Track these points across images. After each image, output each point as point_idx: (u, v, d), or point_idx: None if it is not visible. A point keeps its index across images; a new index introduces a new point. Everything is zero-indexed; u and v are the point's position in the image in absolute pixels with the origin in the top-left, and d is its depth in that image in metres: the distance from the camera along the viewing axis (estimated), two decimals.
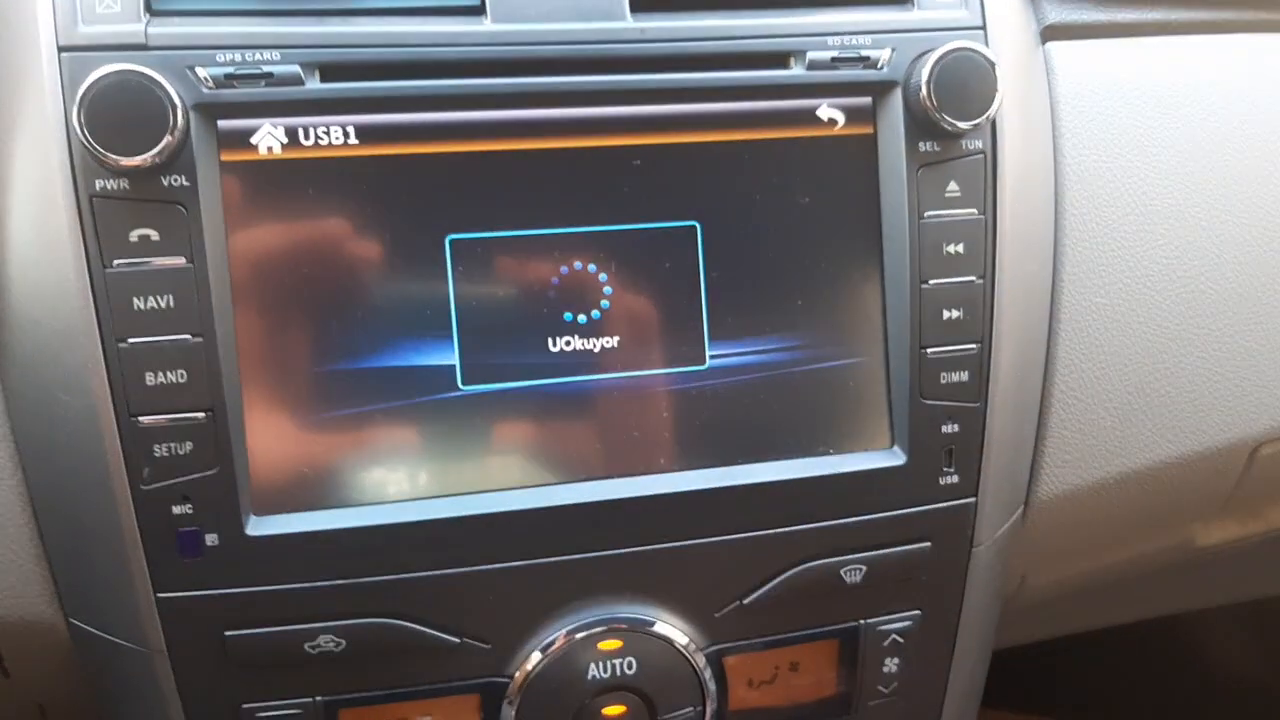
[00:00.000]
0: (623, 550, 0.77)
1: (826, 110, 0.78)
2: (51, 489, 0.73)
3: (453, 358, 0.74)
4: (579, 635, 0.77)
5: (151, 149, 0.66)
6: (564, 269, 0.75)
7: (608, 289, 0.76)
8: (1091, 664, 1.85)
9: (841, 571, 0.81)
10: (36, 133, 0.69)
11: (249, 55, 0.70)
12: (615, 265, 0.76)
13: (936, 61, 0.76)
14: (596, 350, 0.76)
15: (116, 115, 0.65)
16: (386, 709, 0.77)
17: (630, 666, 0.78)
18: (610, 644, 0.78)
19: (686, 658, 0.79)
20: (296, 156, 0.71)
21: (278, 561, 0.72)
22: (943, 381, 0.80)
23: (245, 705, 0.74)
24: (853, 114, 0.78)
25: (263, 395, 0.71)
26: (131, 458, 0.69)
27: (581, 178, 0.75)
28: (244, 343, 0.70)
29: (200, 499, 0.70)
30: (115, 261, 0.68)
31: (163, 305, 0.68)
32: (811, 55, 0.77)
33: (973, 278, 0.80)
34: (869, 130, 0.79)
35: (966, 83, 0.76)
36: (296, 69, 0.70)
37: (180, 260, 0.68)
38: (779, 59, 0.77)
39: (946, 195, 0.79)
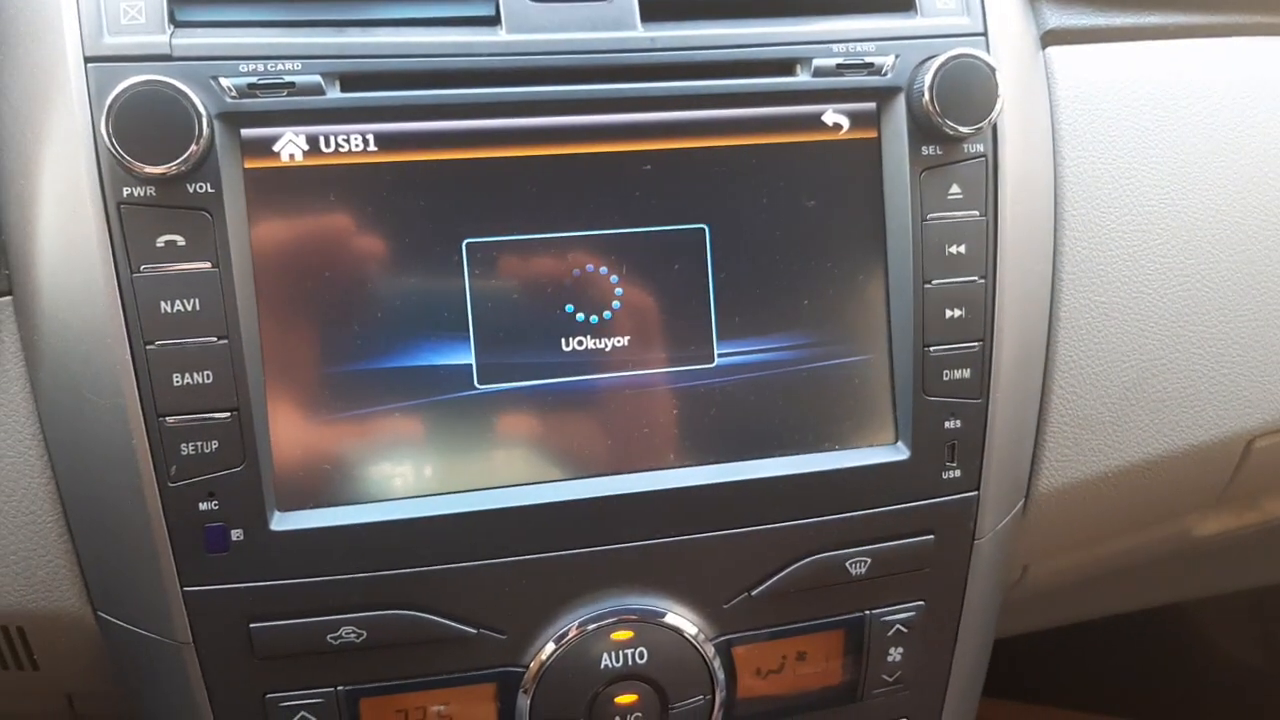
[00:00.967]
0: (634, 544, 0.79)
1: (832, 115, 0.80)
2: (80, 486, 0.75)
3: (469, 358, 0.76)
4: (592, 626, 0.79)
5: (178, 157, 0.68)
6: (576, 271, 0.77)
7: (619, 290, 0.78)
8: (1090, 653, 1.87)
9: (847, 564, 0.83)
10: (64, 141, 0.70)
11: (271, 65, 0.71)
12: (626, 267, 0.78)
13: (939, 68, 0.77)
14: (608, 350, 0.78)
15: (143, 124, 0.67)
16: (405, 698, 0.79)
17: (642, 656, 0.80)
18: (622, 634, 0.80)
19: (696, 648, 0.81)
20: (317, 164, 0.73)
21: (300, 556, 0.74)
22: (945, 378, 0.82)
23: (269, 695, 0.77)
24: (857, 119, 0.80)
25: (285, 395, 0.73)
26: (159, 456, 0.71)
27: (593, 182, 0.77)
28: (267, 344, 0.72)
29: (226, 496, 0.72)
30: (143, 266, 0.70)
31: (189, 309, 0.70)
32: (817, 62, 0.78)
33: (974, 277, 0.82)
34: (873, 135, 0.80)
35: (968, 88, 0.78)
36: (317, 79, 0.72)
37: (206, 265, 0.70)
38: (786, 66, 0.79)
39: (949, 197, 0.81)
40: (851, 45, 0.79)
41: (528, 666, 0.80)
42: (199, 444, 0.71)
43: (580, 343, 0.78)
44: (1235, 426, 0.97)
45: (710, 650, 0.82)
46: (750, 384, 0.80)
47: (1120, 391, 0.92)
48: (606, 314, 0.78)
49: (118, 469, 0.72)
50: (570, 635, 0.79)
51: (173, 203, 0.70)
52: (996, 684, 1.01)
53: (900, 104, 0.80)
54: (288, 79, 0.71)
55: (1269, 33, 0.98)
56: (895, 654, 0.87)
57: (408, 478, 0.76)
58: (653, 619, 0.80)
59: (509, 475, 0.77)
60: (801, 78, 0.79)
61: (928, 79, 0.77)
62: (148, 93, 0.67)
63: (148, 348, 0.70)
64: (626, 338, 0.78)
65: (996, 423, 0.84)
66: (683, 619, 0.81)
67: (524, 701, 0.80)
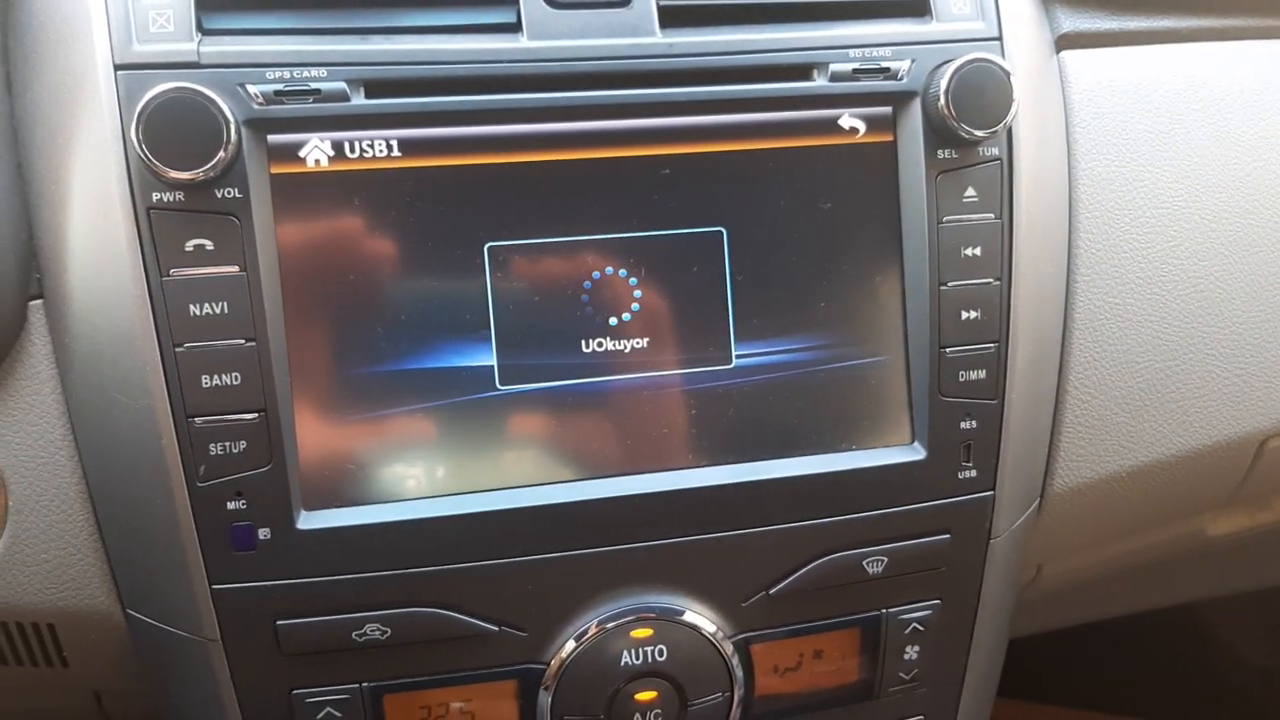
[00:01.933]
0: (653, 543, 0.80)
1: (848, 119, 0.81)
2: (110, 486, 0.76)
3: (490, 359, 0.77)
4: (611, 624, 0.80)
5: (206, 163, 0.69)
6: (596, 273, 0.78)
7: (638, 292, 0.79)
8: (1100, 653, 1.87)
9: (864, 563, 0.83)
10: (94, 147, 0.72)
11: (297, 72, 0.72)
12: (645, 270, 0.79)
13: (955, 72, 0.78)
14: (627, 351, 0.79)
15: (173, 131, 0.69)
16: (429, 694, 0.80)
17: (661, 654, 0.81)
18: (642, 632, 0.81)
19: (715, 645, 0.82)
20: (342, 169, 0.74)
21: (326, 554, 0.75)
22: (961, 379, 0.83)
23: (295, 691, 0.78)
24: (873, 123, 0.81)
25: (311, 396, 0.74)
26: (188, 456, 0.72)
27: (613, 186, 0.78)
28: (293, 346, 0.74)
29: (253, 495, 0.73)
30: (172, 270, 0.71)
31: (217, 311, 0.72)
32: (834, 67, 0.79)
33: (990, 279, 0.83)
34: (889, 138, 0.81)
35: (984, 92, 0.79)
36: (343, 85, 0.73)
37: (234, 269, 0.72)
38: (802, 71, 0.80)
39: (964, 200, 0.82)
40: (868, 50, 0.80)
41: (548, 664, 0.81)
42: (227, 444, 0.73)
43: (600, 344, 0.79)
44: (1248, 427, 0.98)
45: (729, 648, 0.83)
46: (768, 385, 0.81)
47: (1134, 392, 0.93)
48: (626, 316, 0.79)
49: (147, 469, 0.73)
50: (590, 633, 0.80)
51: (201, 207, 0.71)
52: (1006, 684, 1.02)
53: (916, 108, 0.80)
54: (313, 85, 0.72)
55: None
56: (911, 652, 0.88)
57: (430, 477, 0.77)
58: (672, 617, 0.81)
59: (530, 475, 0.79)
60: (818, 82, 0.80)
61: (943, 83, 0.78)
62: (177, 99, 0.69)
63: (177, 350, 0.72)
64: (645, 339, 0.79)
65: (1012, 423, 0.85)
66: (701, 617, 0.82)
67: (545, 698, 0.81)
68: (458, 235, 0.76)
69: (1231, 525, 1.14)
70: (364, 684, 0.78)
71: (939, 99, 0.79)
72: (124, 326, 0.72)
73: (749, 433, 0.81)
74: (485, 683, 0.81)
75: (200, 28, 0.73)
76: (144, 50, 0.72)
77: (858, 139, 0.81)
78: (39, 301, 0.76)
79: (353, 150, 0.74)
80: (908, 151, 0.81)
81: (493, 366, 0.77)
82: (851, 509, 0.83)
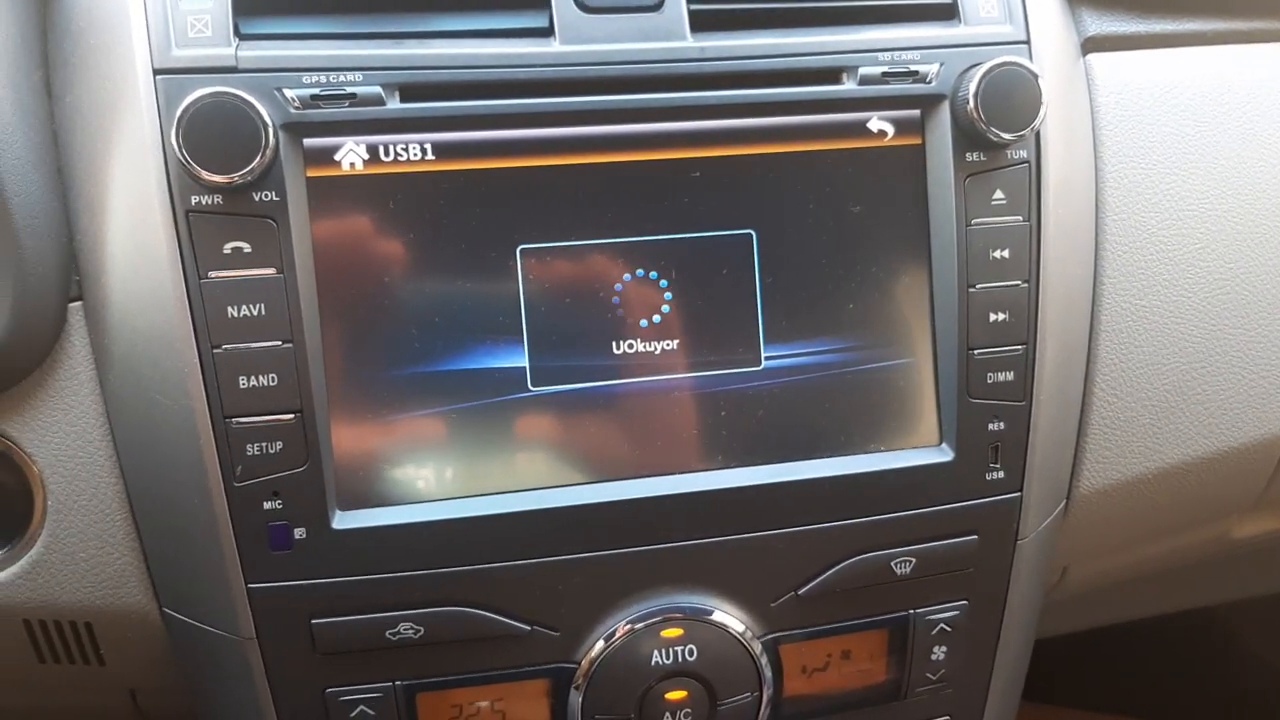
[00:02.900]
0: (683, 543, 0.81)
1: (877, 122, 0.81)
2: (148, 486, 0.77)
3: (523, 361, 0.78)
4: (641, 624, 0.81)
5: (245, 166, 0.70)
6: (627, 276, 0.79)
7: (668, 294, 0.80)
8: (1118, 657, 1.87)
9: (892, 564, 0.84)
10: (134, 151, 0.73)
11: (333, 77, 0.73)
12: (675, 272, 0.79)
13: (983, 75, 0.79)
14: (657, 353, 0.80)
15: (212, 134, 0.69)
16: (461, 693, 0.80)
17: (691, 653, 0.82)
18: (672, 632, 0.81)
19: (744, 645, 0.83)
20: (377, 172, 0.75)
21: (361, 553, 0.76)
22: (989, 381, 0.83)
23: (329, 689, 0.78)
24: (902, 126, 0.82)
25: (346, 397, 0.75)
26: (225, 457, 0.73)
27: (644, 189, 0.78)
28: (329, 348, 0.74)
29: (289, 495, 0.74)
30: (210, 273, 0.72)
31: (255, 313, 0.72)
32: (863, 71, 0.80)
33: (1018, 281, 0.83)
34: (918, 141, 0.82)
35: (1012, 95, 0.79)
36: (378, 89, 0.74)
37: (271, 271, 0.72)
38: (832, 75, 0.80)
39: (993, 203, 0.82)
40: (897, 54, 0.81)
41: (579, 663, 0.81)
42: (264, 445, 0.73)
43: (630, 346, 0.79)
44: (1274, 429, 0.98)
45: (758, 648, 0.83)
46: (797, 386, 0.82)
47: (1160, 394, 0.93)
48: (656, 318, 0.80)
49: (185, 469, 0.74)
50: (620, 633, 0.81)
51: (239, 210, 0.72)
52: (1030, 686, 1.02)
53: (945, 111, 0.81)
54: (349, 90, 0.73)
55: None
56: (939, 653, 0.88)
57: (463, 478, 0.78)
58: (701, 617, 0.82)
59: (561, 476, 0.79)
60: (847, 86, 0.80)
61: (972, 86, 0.79)
62: (216, 104, 0.70)
63: (215, 351, 0.72)
64: (675, 341, 0.80)
65: (1039, 425, 0.85)
66: (731, 617, 0.83)
67: (575, 698, 0.81)
68: (490, 238, 0.77)
69: (1257, 528, 1.14)
70: (397, 683, 0.79)
71: (968, 102, 0.79)
72: (163, 328, 0.73)
73: (778, 434, 0.82)
74: (516, 682, 0.81)
75: (238, 33, 0.73)
76: (183, 55, 0.72)
77: (886, 142, 0.82)
78: (78, 303, 0.77)
79: (387, 154, 0.75)
80: (936, 154, 0.81)
81: (525, 368, 0.78)
82: (880, 510, 0.83)
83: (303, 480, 0.74)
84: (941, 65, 0.81)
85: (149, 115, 0.72)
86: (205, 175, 0.70)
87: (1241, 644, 1.79)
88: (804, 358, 0.82)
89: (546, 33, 0.77)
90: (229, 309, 0.72)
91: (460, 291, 0.77)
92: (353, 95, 0.73)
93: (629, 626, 0.81)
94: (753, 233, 0.80)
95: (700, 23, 0.79)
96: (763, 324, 0.81)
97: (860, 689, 0.88)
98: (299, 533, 0.75)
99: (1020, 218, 0.83)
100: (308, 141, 0.74)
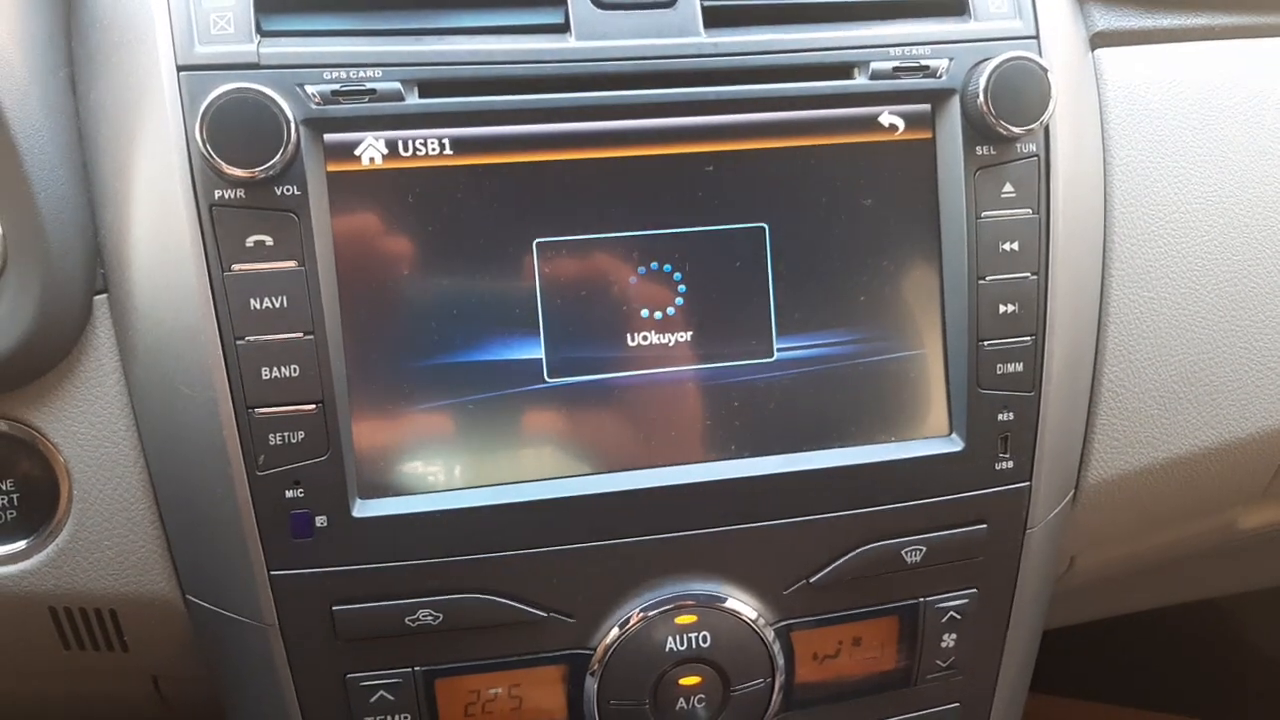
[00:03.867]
0: (697, 531, 0.82)
1: (887, 117, 0.82)
2: (172, 475, 0.78)
3: (539, 352, 0.79)
4: (657, 611, 0.82)
5: (267, 161, 0.71)
6: (641, 268, 0.80)
7: (682, 287, 0.81)
8: (1125, 648, 1.88)
9: (903, 552, 0.85)
10: (158, 146, 0.74)
11: (353, 73, 0.74)
12: (689, 264, 0.80)
13: (993, 70, 0.79)
14: (671, 344, 0.81)
15: (235, 130, 0.71)
16: (478, 679, 0.82)
17: (705, 640, 0.83)
18: (686, 619, 0.82)
19: (757, 632, 0.84)
20: (396, 167, 0.76)
21: (381, 541, 0.77)
22: (999, 372, 0.84)
23: (349, 675, 0.80)
24: (912, 120, 0.82)
25: (367, 387, 0.76)
26: (248, 446, 0.74)
27: (658, 183, 0.80)
28: (349, 339, 0.76)
29: (311, 484, 0.75)
30: (233, 266, 0.73)
31: (277, 305, 0.74)
32: (874, 66, 0.81)
33: (1027, 274, 0.84)
34: (928, 135, 0.83)
35: (1022, 90, 0.80)
36: (397, 85, 0.75)
37: (292, 264, 0.74)
38: (843, 70, 0.81)
39: (1002, 196, 0.83)
40: (907, 49, 0.82)
41: (595, 649, 0.82)
42: (286, 434, 0.75)
43: (645, 338, 0.81)
44: None
45: (770, 635, 0.84)
46: (809, 377, 0.83)
47: (1168, 385, 0.94)
48: (670, 310, 0.81)
49: (209, 458, 0.75)
50: (634, 620, 0.82)
51: (261, 204, 0.73)
52: (1034, 678, 1.03)
53: (955, 105, 0.82)
54: (369, 86, 0.74)
55: None
56: (949, 640, 0.89)
57: (481, 467, 0.79)
58: (715, 604, 0.83)
59: (577, 465, 0.80)
60: (859, 81, 0.81)
61: (982, 81, 0.80)
62: (239, 100, 0.71)
63: (238, 343, 0.74)
64: (689, 333, 0.81)
65: (1048, 415, 0.86)
66: (744, 604, 0.84)
67: (591, 684, 0.83)
68: (507, 231, 0.78)
69: (1264, 518, 1.14)
70: (416, 668, 0.80)
71: (978, 96, 0.80)
72: (187, 320, 0.74)
73: (790, 424, 0.83)
74: (533, 668, 0.82)
75: (259, 29, 0.75)
76: (206, 52, 0.74)
77: (897, 136, 0.83)
78: (103, 296, 0.78)
79: (406, 149, 0.76)
80: (946, 148, 0.82)
81: (541, 359, 0.79)
82: (891, 499, 0.84)
83: (324, 469, 0.75)
84: (952, 60, 0.82)
85: (173, 111, 0.73)
86: (228, 170, 0.71)
87: (1247, 636, 1.79)
88: (816, 349, 0.83)
89: (562, 29, 0.78)
90: (252, 301, 0.74)
91: (477, 284, 0.78)
92: (372, 91, 0.74)
93: (643, 613, 0.82)
94: (765, 226, 0.81)
95: (714, 19, 0.80)
96: (775, 316, 0.82)
97: (871, 675, 0.89)
98: (320, 521, 0.76)
99: (1030, 211, 0.84)
100: (328, 137, 0.75)
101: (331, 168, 0.75)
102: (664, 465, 0.81)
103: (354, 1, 0.77)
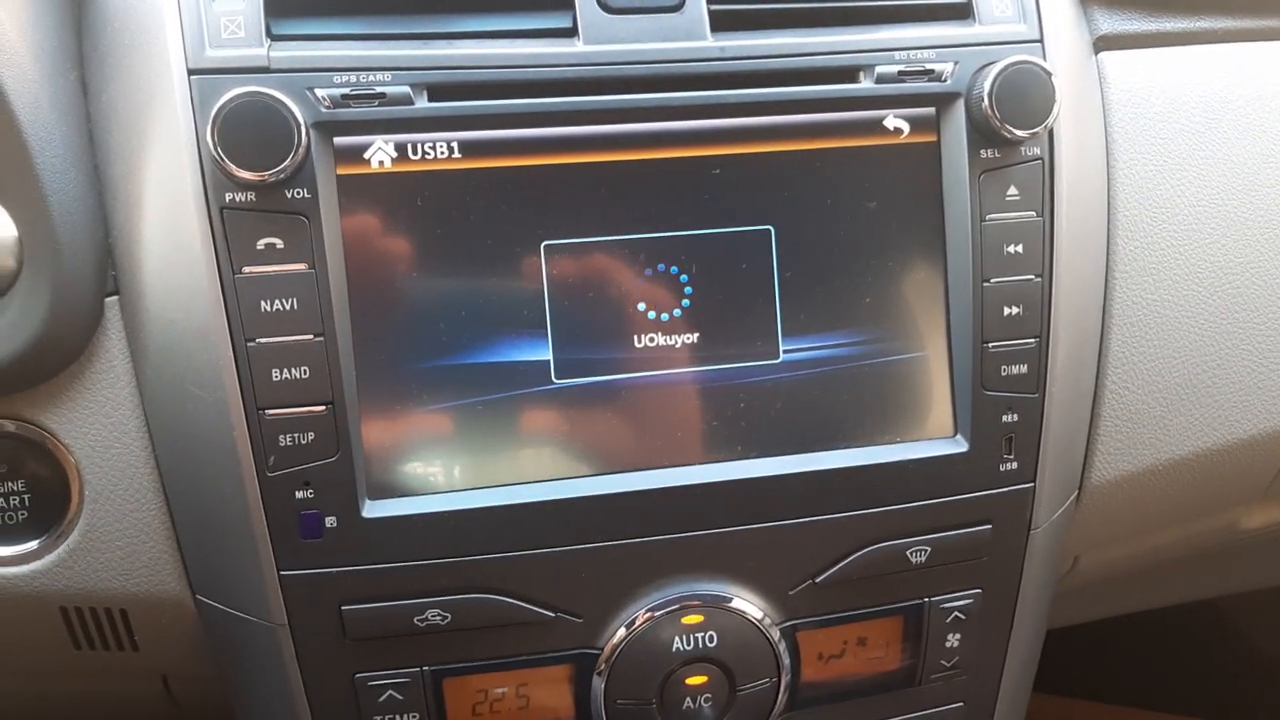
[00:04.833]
0: (703, 531, 0.82)
1: (893, 120, 0.83)
2: (182, 476, 0.79)
3: (547, 354, 0.79)
4: (664, 610, 0.82)
5: (278, 165, 0.72)
6: (648, 270, 0.80)
7: (688, 289, 0.81)
8: (1134, 649, 1.88)
9: (908, 553, 0.85)
10: (168, 149, 0.74)
11: (363, 77, 0.75)
12: (696, 267, 0.81)
13: (998, 74, 0.80)
14: (678, 346, 0.81)
15: (246, 133, 0.71)
16: (486, 678, 0.82)
17: (711, 639, 0.83)
18: (693, 618, 0.83)
19: (763, 632, 0.84)
20: (405, 170, 0.76)
21: (390, 542, 0.78)
22: (1003, 374, 0.85)
23: (358, 675, 0.80)
24: (917, 123, 0.83)
25: (376, 389, 0.77)
26: (258, 447, 0.75)
27: (665, 186, 0.80)
28: (359, 341, 0.76)
29: (320, 484, 0.76)
30: (244, 268, 0.74)
31: (287, 308, 0.74)
32: (880, 69, 0.81)
33: (1031, 276, 0.84)
34: (933, 139, 0.83)
35: (1026, 93, 0.81)
36: (406, 89, 0.75)
37: (302, 266, 0.74)
38: (849, 74, 0.81)
39: (1007, 199, 0.84)
40: (912, 53, 0.82)
41: (602, 649, 0.83)
42: (296, 435, 0.75)
43: (652, 339, 0.81)
44: None
45: (776, 635, 0.85)
46: (814, 379, 0.83)
47: (1171, 387, 0.95)
48: (677, 312, 0.81)
49: (219, 459, 0.76)
50: (641, 620, 0.82)
51: (272, 207, 0.74)
52: (1037, 678, 1.03)
53: (959, 109, 0.82)
54: (379, 89, 0.75)
55: None
56: (953, 640, 0.90)
57: (488, 468, 0.80)
58: (721, 604, 0.83)
59: (584, 466, 0.81)
60: (864, 84, 0.82)
61: (987, 85, 0.80)
62: (250, 103, 0.71)
63: (249, 344, 0.74)
64: (696, 334, 0.82)
65: (1052, 417, 0.87)
66: (750, 604, 0.84)
67: (598, 683, 0.83)
68: (515, 234, 0.78)
69: (1265, 519, 1.15)
70: (424, 668, 0.81)
71: (983, 100, 0.80)
72: (198, 322, 0.74)
73: (796, 425, 0.83)
74: (541, 667, 0.83)
75: (269, 33, 0.75)
76: (216, 55, 0.74)
77: (902, 139, 0.83)
78: (114, 298, 0.79)
79: (415, 152, 0.76)
80: (951, 151, 0.83)
81: (548, 361, 0.79)
82: (896, 500, 0.85)
83: (333, 470, 0.76)
84: (956, 64, 0.82)
85: (184, 114, 0.74)
86: (239, 173, 0.72)
87: (1250, 637, 1.80)
88: (821, 351, 0.83)
89: (570, 33, 0.79)
90: (262, 303, 0.74)
91: (486, 286, 0.78)
92: (382, 95, 0.75)
93: (650, 613, 0.83)
94: (771, 228, 0.82)
95: (720, 23, 0.80)
96: (781, 318, 0.82)
97: (876, 675, 0.90)
98: (330, 521, 0.77)
99: (1034, 213, 0.84)
100: (338, 140, 0.75)
101: (341, 171, 0.75)
102: (670, 466, 0.82)
103: (364, 6, 0.78)
